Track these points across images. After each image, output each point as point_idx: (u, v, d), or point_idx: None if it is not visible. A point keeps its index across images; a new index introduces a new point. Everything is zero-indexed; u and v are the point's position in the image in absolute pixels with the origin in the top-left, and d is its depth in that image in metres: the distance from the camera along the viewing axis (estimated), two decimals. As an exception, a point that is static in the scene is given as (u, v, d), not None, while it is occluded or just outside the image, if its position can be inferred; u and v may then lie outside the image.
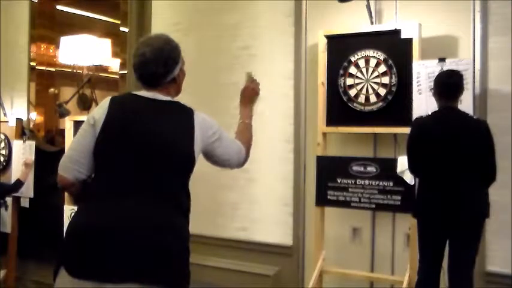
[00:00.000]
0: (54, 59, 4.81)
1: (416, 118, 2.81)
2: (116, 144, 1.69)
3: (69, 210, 4.14)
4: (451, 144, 2.64)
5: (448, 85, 2.70)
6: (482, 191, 2.66)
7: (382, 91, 3.12)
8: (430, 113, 2.76)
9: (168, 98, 1.79)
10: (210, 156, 1.87)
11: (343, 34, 3.27)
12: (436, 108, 2.75)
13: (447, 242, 2.70)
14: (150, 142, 1.68)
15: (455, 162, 2.63)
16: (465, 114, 2.70)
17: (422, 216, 2.75)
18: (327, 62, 3.30)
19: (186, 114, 1.78)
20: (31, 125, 4.72)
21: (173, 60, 1.78)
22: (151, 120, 1.71)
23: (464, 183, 2.63)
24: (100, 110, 1.73)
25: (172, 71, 1.78)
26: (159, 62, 1.75)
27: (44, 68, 4.86)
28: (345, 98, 3.23)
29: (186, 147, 1.72)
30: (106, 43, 4.52)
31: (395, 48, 3.09)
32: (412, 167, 2.79)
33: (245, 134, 2.06)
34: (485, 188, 2.67)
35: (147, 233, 1.60)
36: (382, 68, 3.13)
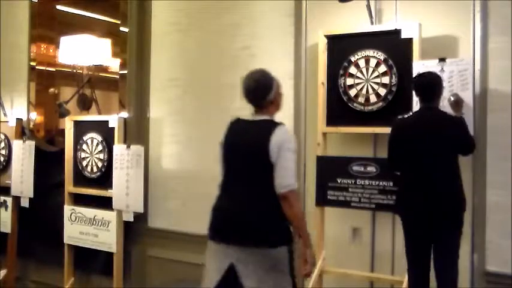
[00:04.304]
0: (54, 59, 4.80)
1: (397, 118, 2.86)
2: (230, 155, 2.54)
3: (69, 210, 4.13)
4: (425, 142, 2.70)
5: (419, 86, 2.78)
6: (458, 186, 2.71)
7: (382, 91, 3.12)
8: (411, 113, 2.83)
9: (264, 117, 2.51)
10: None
11: (343, 34, 3.26)
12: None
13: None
14: (246, 151, 2.47)
15: (430, 159, 2.69)
16: (442, 113, 2.74)
17: (404, 214, 2.81)
18: (327, 62, 3.30)
19: (269, 127, 2.44)
20: (31, 125, 4.72)
21: (268, 88, 2.50)
22: (247, 136, 2.50)
23: (440, 178, 2.68)
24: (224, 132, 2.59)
25: (268, 95, 2.50)
26: (257, 90, 2.50)
27: (44, 68, 4.85)
28: (345, 98, 3.23)
29: (264, 153, 2.39)
30: (106, 43, 4.53)
31: (395, 48, 3.09)
32: (391, 165, 2.89)
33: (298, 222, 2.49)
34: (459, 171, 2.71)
35: (251, 214, 2.42)
36: (382, 68, 3.13)
